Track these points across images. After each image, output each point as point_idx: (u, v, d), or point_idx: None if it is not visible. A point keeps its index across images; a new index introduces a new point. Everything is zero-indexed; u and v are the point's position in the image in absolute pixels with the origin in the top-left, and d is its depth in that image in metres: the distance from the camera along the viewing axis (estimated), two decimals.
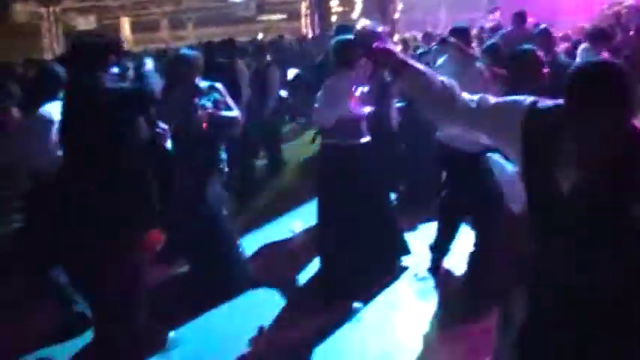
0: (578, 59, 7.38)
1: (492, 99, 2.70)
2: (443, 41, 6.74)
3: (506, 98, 2.72)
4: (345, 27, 7.21)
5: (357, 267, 5.39)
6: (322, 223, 5.67)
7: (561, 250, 2.51)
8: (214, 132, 5.24)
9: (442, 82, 2.73)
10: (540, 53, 4.56)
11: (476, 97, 2.73)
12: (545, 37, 7.23)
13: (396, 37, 10.25)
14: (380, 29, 2.87)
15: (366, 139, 5.56)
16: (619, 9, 16.74)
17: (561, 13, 20.67)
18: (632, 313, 2.45)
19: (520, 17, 10.20)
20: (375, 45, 2.73)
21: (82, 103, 3.77)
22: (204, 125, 5.13)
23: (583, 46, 7.97)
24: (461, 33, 5.91)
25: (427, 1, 32.45)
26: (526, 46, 4.77)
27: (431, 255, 5.64)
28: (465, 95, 2.74)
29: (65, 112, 3.88)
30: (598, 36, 7.68)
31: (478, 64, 5.39)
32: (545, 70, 4.48)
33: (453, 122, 2.82)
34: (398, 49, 10.00)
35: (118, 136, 3.69)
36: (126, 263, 3.76)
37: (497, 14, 18.52)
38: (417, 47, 13.17)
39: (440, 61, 6.02)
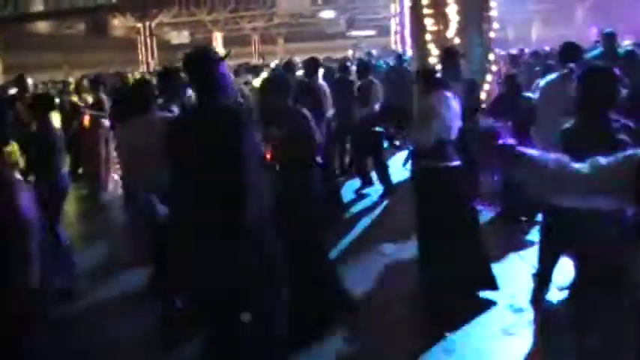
0: None
1: (603, 159, 2.58)
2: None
3: (617, 155, 2.60)
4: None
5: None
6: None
7: None
8: None
9: (555, 160, 2.71)
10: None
11: (588, 165, 2.63)
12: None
13: (491, 56, 10.00)
14: (499, 126, 2.97)
15: (457, 162, 5.48)
16: None
17: None
18: None
19: (611, 37, 9.58)
20: (499, 143, 2.79)
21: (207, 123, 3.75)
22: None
23: None
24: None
25: (519, 19, 31.97)
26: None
27: (533, 284, 5.45)
28: (577, 165, 2.65)
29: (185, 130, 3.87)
30: None
31: None
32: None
33: (567, 196, 2.78)
34: (494, 68, 9.74)
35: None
36: None
37: (594, 30, 18.01)
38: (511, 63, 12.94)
39: None
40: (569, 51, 6.15)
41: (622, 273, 3.37)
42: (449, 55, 7.39)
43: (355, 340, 5.02)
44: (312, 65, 9.14)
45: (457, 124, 5.50)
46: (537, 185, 2.79)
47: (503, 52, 17.71)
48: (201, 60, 3.87)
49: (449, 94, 5.57)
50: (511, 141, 2.79)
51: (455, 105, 5.53)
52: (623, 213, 3.44)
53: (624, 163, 2.53)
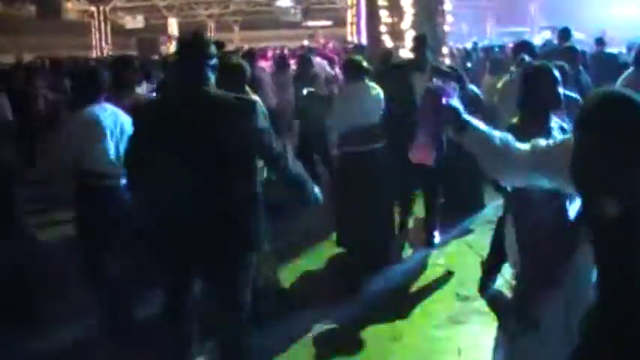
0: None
1: (543, 142, 2.78)
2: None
3: (557, 139, 2.89)
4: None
5: None
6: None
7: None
8: None
9: (499, 137, 2.84)
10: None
11: (529, 145, 2.80)
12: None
13: (445, 50, 10.14)
14: (449, 85, 2.99)
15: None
16: None
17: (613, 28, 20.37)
18: None
19: (565, 33, 9.90)
20: (443, 102, 2.82)
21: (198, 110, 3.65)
22: None
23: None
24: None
25: (474, 15, 32.31)
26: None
27: (481, 272, 5.57)
28: (520, 145, 2.82)
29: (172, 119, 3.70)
30: None
31: None
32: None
33: (512, 173, 2.95)
34: (447, 61, 9.87)
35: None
36: None
37: (547, 33, 18.35)
38: (467, 57, 13.11)
39: None
40: (523, 49, 6.42)
41: (562, 263, 3.48)
42: (415, 43, 7.30)
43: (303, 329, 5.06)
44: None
45: (378, 110, 6.18)
46: (483, 155, 2.89)
47: (460, 46, 17.98)
48: (202, 45, 3.83)
49: (372, 83, 6.29)
50: (457, 102, 2.83)
51: (376, 94, 6.21)
52: (564, 204, 3.57)
53: (561, 145, 2.70)
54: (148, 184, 3.73)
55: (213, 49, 3.80)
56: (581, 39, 14.95)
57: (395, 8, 10.15)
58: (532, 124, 3.73)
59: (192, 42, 3.83)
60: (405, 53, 9.23)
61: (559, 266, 3.51)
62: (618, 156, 2.41)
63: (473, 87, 7.54)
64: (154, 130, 3.64)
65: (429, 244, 6.64)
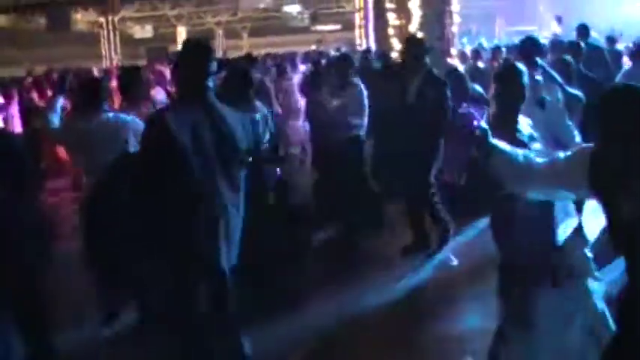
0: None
1: (562, 154, 2.92)
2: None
3: (572, 149, 2.97)
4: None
5: None
6: None
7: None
8: None
9: (523, 155, 2.97)
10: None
11: (548, 159, 2.96)
12: None
13: (454, 51, 10.13)
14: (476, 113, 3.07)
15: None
16: None
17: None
18: None
19: (584, 30, 9.88)
20: (474, 126, 2.92)
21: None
22: None
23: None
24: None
25: (483, 13, 32.23)
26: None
27: None
28: (541, 160, 2.96)
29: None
30: None
31: None
32: None
33: (537, 190, 3.06)
34: (456, 62, 9.91)
35: None
36: None
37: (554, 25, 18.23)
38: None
39: None
40: (529, 46, 6.33)
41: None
42: (407, 45, 7.24)
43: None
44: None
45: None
46: (508, 176, 2.98)
47: (470, 47, 17.97)
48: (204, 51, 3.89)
49: (362, 86, 7.11)
50: (485, 126, 2.92)
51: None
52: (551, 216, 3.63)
53: (577, 155, 2.81)
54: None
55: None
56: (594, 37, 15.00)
57: (403, 10, 10.16)
58: (501, 124, 3.75)
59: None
60: None
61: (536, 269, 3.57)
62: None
63: (476, 86, 7.53)
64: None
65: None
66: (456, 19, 10.76)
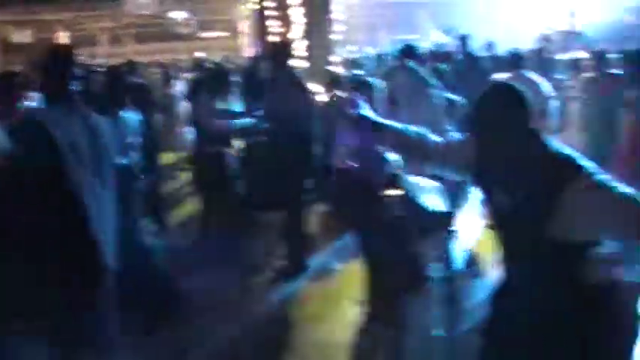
0: None
1: (456, 135, 3.09)
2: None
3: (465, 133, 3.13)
4: None
5: None
6: None
7: (512, 265, 2.71)
8: None
9: (416, 132, 3.14)
10: None
11: (442, 138, 3.20)
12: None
13: (335, 58, 10.26)
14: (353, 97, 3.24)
15: None
16: None
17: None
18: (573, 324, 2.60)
19: (466, 39, 10.65)
20: (355, 113, 3.15)
21: None
22: None
23: None
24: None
25: (367, 22, 32.85)
26: None
27: None
28: (434, 137, 3.21)
29: None
30: None
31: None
32: None
33: (430, 165, 3.22)
34: (340, 70, 10.07)
35: None
36: None
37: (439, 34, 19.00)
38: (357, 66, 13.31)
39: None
40: (407, 50, 6.89)
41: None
42: (272, 52, 7.27)
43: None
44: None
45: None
46: (403, 151, 3.14)
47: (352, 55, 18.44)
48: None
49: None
50: (368, 112, 3.03)
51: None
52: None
53: (467, 141, 3.00)
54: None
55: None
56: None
57: (284, 19, 10.20)
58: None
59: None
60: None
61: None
62: (508, 147, 2.57)
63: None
64: None
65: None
66: (340, 27, 10.93)
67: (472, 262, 5.46)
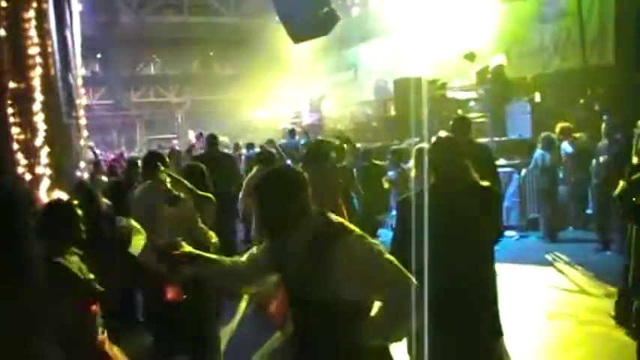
0: None
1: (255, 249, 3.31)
2: None
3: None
4: None
5: None
6: None
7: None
8: None
9: (229, 260, 3.31)
10: None
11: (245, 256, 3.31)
12: None
13: (82, 164, 10.28)
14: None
15: None
16: None
17: None
18: None
19: (213, 139, 11.74)
20: (174, 253, 3.20)
21: None
22: None
23: None
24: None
25: (124, 123, 32.66)
26: None
27: None
28: (239, 259, 3.31)
29: None
30: None
31: None
32: None
33: (242, 284, 3.46)
34: (86, 175, 9.89)
35: None
36: None
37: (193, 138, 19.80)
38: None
39: None
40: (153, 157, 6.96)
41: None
42: None
43: None
44: None
45: None
46: (219, 281, 3.35)
47: (112, 155, 18.90)
48: None
49: None
50: (186, 249, 3.19)
51: None
52: None
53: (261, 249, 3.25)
54: None
55: None
56: (226, 142, 16.96)
57: (29, 124, 10.01)
58: None
59: None
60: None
61: None
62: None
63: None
64: None
65: None
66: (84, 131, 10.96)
67: None
